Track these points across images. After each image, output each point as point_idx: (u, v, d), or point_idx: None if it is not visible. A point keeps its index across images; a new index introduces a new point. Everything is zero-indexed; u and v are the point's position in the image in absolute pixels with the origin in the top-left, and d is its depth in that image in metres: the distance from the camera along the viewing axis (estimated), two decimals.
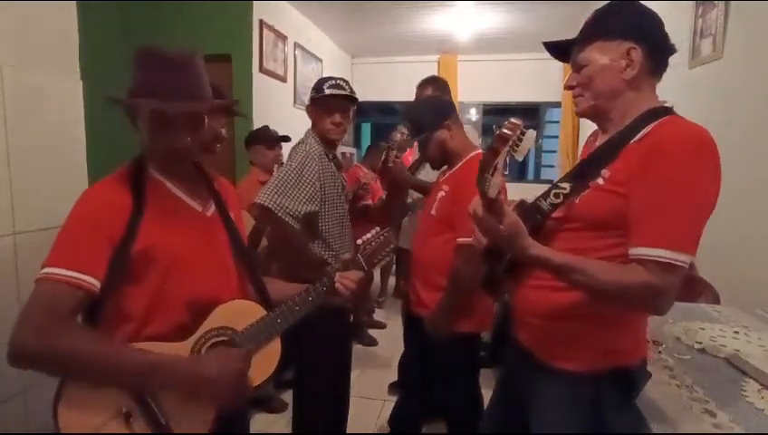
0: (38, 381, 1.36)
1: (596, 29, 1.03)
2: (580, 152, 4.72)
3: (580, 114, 1.09)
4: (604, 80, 1.01)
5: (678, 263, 0.88)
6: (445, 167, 1.87)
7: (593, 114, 1.07)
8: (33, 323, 0.84)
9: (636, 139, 0.96)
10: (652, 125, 0.95)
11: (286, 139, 2.71)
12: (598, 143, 1.08)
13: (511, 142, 0.83)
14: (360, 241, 1.25)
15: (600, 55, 1.01)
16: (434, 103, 1.79)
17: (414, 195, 2.47)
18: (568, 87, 1.09)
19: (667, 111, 0.99)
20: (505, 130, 0.83)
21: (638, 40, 0.98)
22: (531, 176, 7.28)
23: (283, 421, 2.46)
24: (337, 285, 1.16)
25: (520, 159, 0.86)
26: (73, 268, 0.87)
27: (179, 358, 0.94)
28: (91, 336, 0.89)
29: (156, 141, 0.98)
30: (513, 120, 0.84)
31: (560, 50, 1.12)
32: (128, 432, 0.89)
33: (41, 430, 1.36)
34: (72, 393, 0.88)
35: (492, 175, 0.85)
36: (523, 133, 0.83)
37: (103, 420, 0.88)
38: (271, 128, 2.85)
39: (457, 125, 1.77)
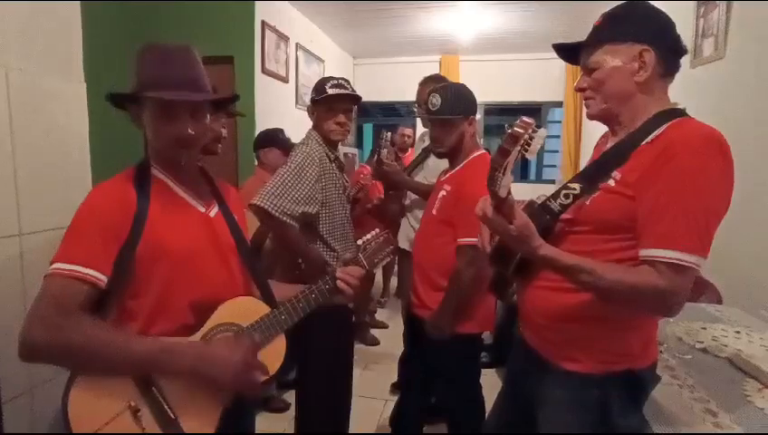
0: (44, 379, 1.37)
1: (607, 31, 1.01)
2: (582, 152, 4.69)
3: (592, 117, 1.08)
4: (616, 82, 1.00)
5: (688, 264, 0.87)
6: (446, 167, 1.88)
7: (604, 117, 1.06)
8: (42, 318, 0.86)
9: (647, 140, 0.95)
10: (664, 127, 0.95)
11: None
12: (609, 145, 1.07)
13: (522, 141, 0.82)
14: (360, 241, 1.26)
15: (611, 58, 0.99)
16: (471, 94, 1.79)
17: (412, 196, 2.48)
18: (579, 89, 1.08)
19: (680, 112, 0.98)
20: (517, 129, 0.82)
21: (651, 42, 0.97)
22: (533, 176, 7.28)
23: (285, 421, 2.46)
24: (338, 281, 1.16)
25: (531, 158, 0.86)
26: (80, 263, 0.89)
27: (189, 342, 0.96)
28: (99, 326, 0.90)
29: (159, 134, 0.99)
30: (524, 118, 0.83)
31: (569, 52, 1.11)
32: (136, 427, 0.91)
33: (47, 429, 1.37)
34: (81, 386, 0.89)
35: (503, 174, 0.84)
36: (534, 132, 0.82)
37: (112, 413, 0.90)
38: (285, 132, 2.83)
39: (475, 125, 1.80)
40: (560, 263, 0.94)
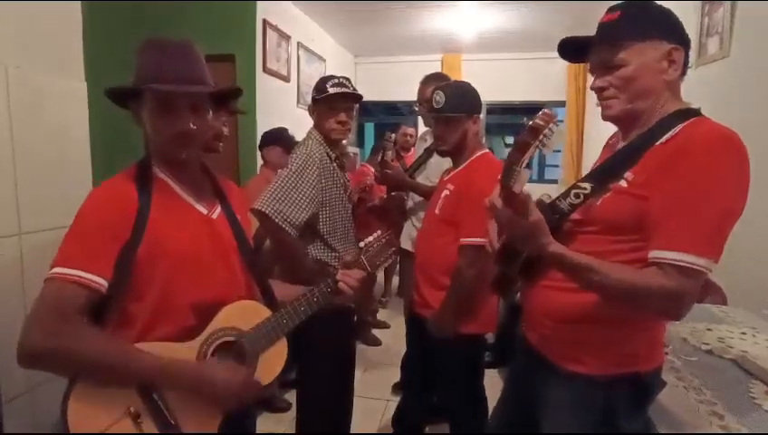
0: (45, 380, 1.37)
1: (630, 29, 0.98)
2: (584, 152, 4.63)
3: (611, 117, 1.05)
4: (646, 81, 0.97)
5: (697, 267, 0.85)
6: (449, 166, 1.87)
7: (626, 117, 1.02)
8: (41, 323, 0.85)
9: (662, 140, 0.94)
10: (679, 126, 0.93)
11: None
12: (621, 144, 1.06)
13: (542, 136, 0.81)
14: (362, 243, 1.24)
15: (641, 56, 0.96)
16: (475, 92, 1.78)
17: (415, 198, 2.47)
18: (597, 89, 1.04)
19: (695, 112, 0.97)
20: (539, 121, 0.80)
21: (678, 41, 0.96)
22: (535, 175, 7.27)
23: (286, 421, 2.46)
24: (339, 284, 1.15)
25: (548, 153, 0.84)
26: (81, 268, 0.88)
27: (186, 362, 0.95)
28: (98, 336, 0.89)
29: (159, 130, 0.98)
30: (546, 110, 0.82)
31: (571, 51, 1.08)
32: (136, 431, 0.90)
33: (47, 430, 1.36)
34: (81, 392, 0.88)
35: (521, 168, 0.83)
36: (555, 126, 0.81)
37: (112, 419, 0.89)
38: (288, 131, 2.84)
39: (479, 124, 1.79)
40: (568, 261, 0.92)
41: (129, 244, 0.92)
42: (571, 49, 1.09)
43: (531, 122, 0.81)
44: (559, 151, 5.98)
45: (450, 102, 1.70)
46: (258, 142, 2.90)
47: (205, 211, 1.06)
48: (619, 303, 0.95)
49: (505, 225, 0.94)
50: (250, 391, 0.99)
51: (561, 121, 5.87)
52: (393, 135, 3.37)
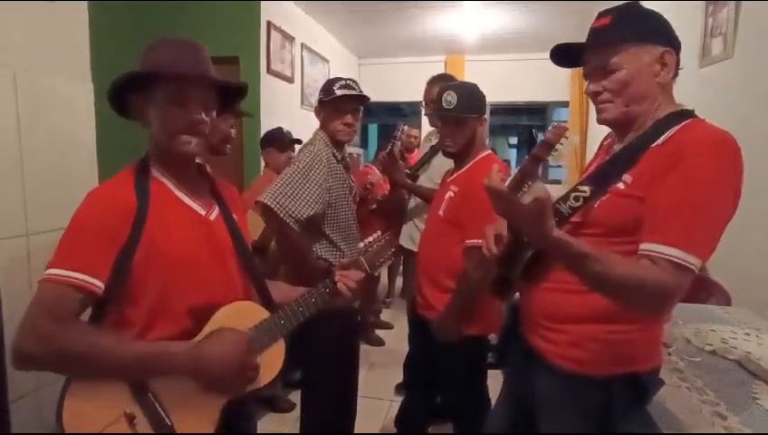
0: (51, 380, 1.38)
1: (625, 32, 0.98)
2: (588, 152, 4.62)
3: (606, 121, 1.05)
4: (641, 85, 0.98)
5: (691, 266, 0.86)
6: (451, 168, 1.87)
7: (622, 120, 1.02)
8: (34, 327, 0.85)
9: (658, 142, 0.95)
10: (675, 128, 0.94)
11: (298, 141, 2.73)
12: (616, 146, 1.06)
13: (554, 150, 0.82)
14: (361, 244, 1.25)
15: (635, 60, 0.97)
16: (482, 93, 1.78)
17: (418, 200, 2.46)
18: (593, 93, 1.04)
19: (689, 114, 0.98)
20: (550, 136, 0.81)
21: (669, 44, 0.97)
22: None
23: (290, 422, 2.47)
24: (338, 285, 1.15)
25: (557, 163, 0.86)
26: (76, 270, 0.87)
27: (182, 343, 0.94)
28: (93, 332, 0.90)
29: (170, 119, 0.97)
30: (557, 124, 0.83)
31: (563, 55, 1.08)
32: (131, 432, 0.90)
33: (52, 430, 1.37)
34: (75, 396, 0.89)
35: (533, 183, 0.83)
36: (566, 138, 0.82)
37: (107, 420, 0.89)
38: (284, 129, 2.87)
39: (485, 125, 1.80)
40: (571, 248, 0.87)
41: (127, 246, 0.91)
42: (564, 54, 1.09)
43: (543, 137, 0.82)
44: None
45: (462, 103, 1.69)
46: None
47: (202, 213, 1.06)
48: (613, 295, 0.93)
49: (506, 208, 0.88)
50: (249, 365, 0.97)
51: (565, 122, 5.87)
52: (406, 127, 3.28)
